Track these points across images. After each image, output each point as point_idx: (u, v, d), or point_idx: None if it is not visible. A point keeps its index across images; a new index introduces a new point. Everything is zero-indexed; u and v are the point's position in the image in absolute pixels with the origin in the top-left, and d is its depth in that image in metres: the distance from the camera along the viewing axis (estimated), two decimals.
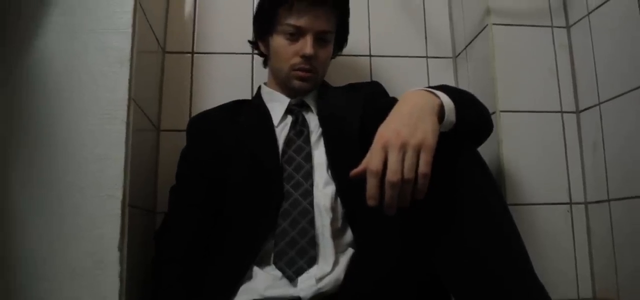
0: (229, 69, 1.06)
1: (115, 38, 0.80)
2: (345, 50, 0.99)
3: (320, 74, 0.91)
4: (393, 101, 0.76)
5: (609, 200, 0.85)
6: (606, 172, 0.86)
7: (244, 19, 1.07)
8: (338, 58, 1.00)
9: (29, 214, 0.73)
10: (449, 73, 1.11)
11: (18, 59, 0.78)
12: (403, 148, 0.56)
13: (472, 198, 0.62)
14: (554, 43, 0.95)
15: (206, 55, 1.06)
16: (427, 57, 1.12)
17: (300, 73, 0.87)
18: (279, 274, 0.76)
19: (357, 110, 0.86)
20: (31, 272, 0.72)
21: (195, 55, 1.06)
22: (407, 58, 1.11)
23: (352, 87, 0.97)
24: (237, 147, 0.85)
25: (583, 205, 0.91)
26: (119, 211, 0.75)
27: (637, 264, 0.79)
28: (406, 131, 0.57)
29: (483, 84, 0.98)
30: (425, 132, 0.57)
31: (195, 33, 1.07)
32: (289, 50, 0.87)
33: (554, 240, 0.89)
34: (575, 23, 0.95)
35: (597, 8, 0.88)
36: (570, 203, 0.91)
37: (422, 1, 1.13)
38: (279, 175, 0.81)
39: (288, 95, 0.91)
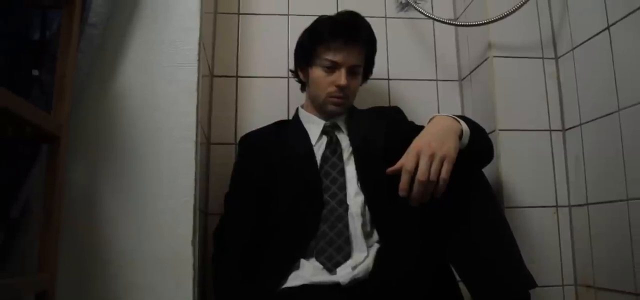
0: (268, 90, 1.22)
1: (184, 71, 0.96)
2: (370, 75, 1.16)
3: (351, 100, 1.08)
4: (415, 127, 0.94)
5: (587, 204, 1.03)
6: (586, 181, 1.03)
7: (280, 46, 1.24)
8: None
9: (120, 218, 0.90)
10: (455, 94, 1.28)
11: (103, 89, 0.94)
12: (432, 157, 0.74)
13: (476, 205, 0.80)
14: (544, 72, 1.12)
15: (248, 78, 1.23)
16: (436, 80, 1.29)
17: (334, 99, 1.03)
18: (320, 265, 0.93)
19: (381, 133, 1.03)
20: (124, 263, 0.89)
21: (239, 78, 1.23)
22: (420, 81, 1.28)
23: (377, 111, 1.14)
24: (283, 162, 1.01)
25: (567, 208, 1.08)
26: (191, 214, 0.91)
27: (610, 255, 0.96)
28: (435, 144, 0.75)
29: (485, 106, 1.15)
30: (449, 148, 0.75)
31: (238, 59, 1.24)
32: (325, 81, 1.03)
33: (543, 237, 1.06)
34: (562, 55, 1.12)
35: (580, 44, 1.05)
36: (556, 206, 1.08)
37: (432, 33, 1.30)
38: (319, 187, 0.98)
39: (323, 118, 1.07)
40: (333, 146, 1.04)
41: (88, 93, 0.93)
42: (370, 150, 1.01)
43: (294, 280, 0.92)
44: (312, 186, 0.98)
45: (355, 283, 0.90)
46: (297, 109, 1.13)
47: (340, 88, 1.02)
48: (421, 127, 0.84)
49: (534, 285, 0.76)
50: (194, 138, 0.94)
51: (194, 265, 0.90)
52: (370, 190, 0.98)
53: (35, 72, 0.85)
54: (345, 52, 1.01)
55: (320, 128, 1.06)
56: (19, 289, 0.71)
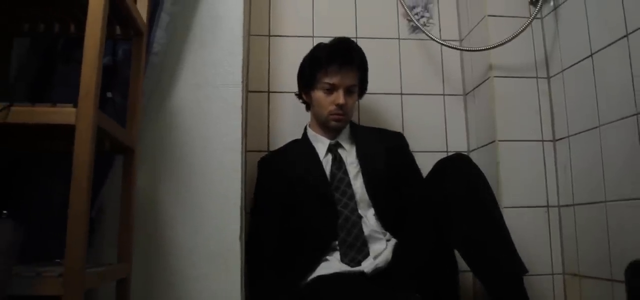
0: (296, 103, 1.35)
1: (229, 90, 1.11)
2: (382, 90, 1.32)
3: (349, 115, 1.22)
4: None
5: (574, 205, 1.19)
6: (572, 185, 1.20)
7: None
8: (377, 95, 1.33)
9: (178, 218, 1.05)
10: (460, 107, 1.44)
11: (161, 106, 1.10)
12: None
13: (479, 206, 0.97)
14: (538, 90, 1.28)
15: (278, 93, 1.39)
16: (443, 94, 1.45)
17: (335, 116, 1.18)
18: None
19: (383, 155, 1.20)
20: (181, 256, 1.04)
21: (270, 93, 1.38)
22: (429, 95, 1.44)
23: (380, 133, 1.28)
24: (299, 180, 1.16)
25: (557, 208, 1.24)
26: (239, 214, 1.07)
27: (592, 248, 1.12)
28: None
29: (486, 119, 1.31)
30: None
31: (270, 76, 1.39)
32: (326, 101, 1.18)
33: (536, 232, 1.22)
34: (554, 75, 1.28)
35: (569, 67, 1.21)
36: (547, 206, 1.24)
37: (440, 53, 1.45)
38: (332, 200, 1.14)
39: (327, 137, 1.22)
40: (338, 163, 1.19)
41: (149, 110, 1.08)
42: (375, 169, 1.17)
43: (325, 270, 1.09)
44: (326, 200, 1.14)
45: (377, 272, 1.08)
46: (305, 128, 1.27)
47: (339, 106, 1.16)
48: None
49: (525, 271, 0.93)
50: (240, 149, 1.09)
51: (241, 257, 1.06)
52: (380, 203, 1.15)
53: (109, 95, 1.00)
54: (341, 75, 1.16)
55: (326, 146, 1.21)
56: (106, 276, 0.87)
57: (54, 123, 0.71)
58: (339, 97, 1.16)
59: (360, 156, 1.20)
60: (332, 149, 1.21)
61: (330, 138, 1.22)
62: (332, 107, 1.17)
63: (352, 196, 1.14)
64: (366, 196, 1.15)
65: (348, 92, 1.18)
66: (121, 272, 0.91)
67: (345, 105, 1.17)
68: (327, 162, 1.19)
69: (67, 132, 0.71)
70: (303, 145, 1.24)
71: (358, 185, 1.16)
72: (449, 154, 1.33)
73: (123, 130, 0.91)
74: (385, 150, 1.21)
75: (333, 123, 1.19)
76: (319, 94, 1.18)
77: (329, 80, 1.16)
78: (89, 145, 0.71)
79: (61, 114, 0.71)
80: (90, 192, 0.72)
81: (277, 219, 1.16)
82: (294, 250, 1.14)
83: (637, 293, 0.80)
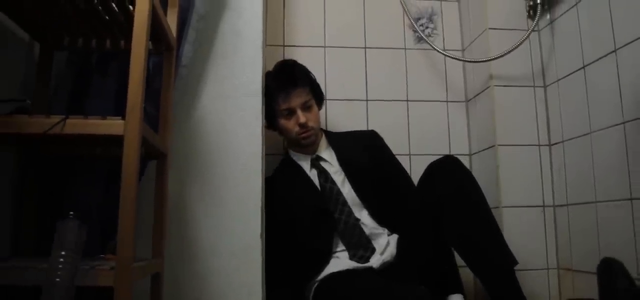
0: None
1: (250, 99, 1.18)
2: (392, 97, 1.40)
3: (317, 127, 1.28)
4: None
5: (568, 205, 1.28)
6: (566, 186, 1.29)
7: (318, 73, 1.44)
8: (386, 102, 1.41)
9: (203, 218, 1.12)
10: (462, 113, 1.52)
11: (187, 116, 1.17)
12: None
13: (471, 207, 1.06)
14: (535, 98, 1.37)
15: None
16: (447, 101, 1.53)
17: (303, 135, 1.26)
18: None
19: (362, 155, 1.27)
20: (206, 253, 1.11)
21: None
22: (433, 102, 1.52)
23: (354, 135, 1.36)
24: (297, 198, 1.24)
25: (552, 208, 1.33)
26: (259, 214, 1.14)
27: (584, 245, 1.21)
28: None
29: (486, 125, 1.40)
30: None
31: None
32: (290, 125, 1.26)
33: (533, 230, 1.31)
34: (549, 84, 1.37)
35: (563, 77, 1.30)
36: (543, 206, 1.33)
37: (443, 62, 1.54)
38: (328, 210, 1.21)
39: (307, 153, 1.30)
40: (323, 175, 1.27)
41: (176, 119, 1.15)
42: (359, 172, 1.25)
43: (336, 267, 1.18)
44: (323, 213, 1.22)
45: (384, 266, 1.17)
46: (287, 150, 1.35)
47: (302, 125, 1.24)
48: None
49: (515, 262, 1.02)
50: (260, 154, 1.17)
51: (262, 254, 1.14)
52: (371, 202, 1.23)
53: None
54: (292, 98, 1.24)
55: (309, 163, 1.29)
56: (147, 269, 0.96)
57: (104, 134, 0.79)
58: (299, 117, 1.23)
59: (342, 163, 1.27)
60: (315, 164, 1.28)
61: (310, 153, 1.29)
62: (297, 128, 1.24)
63: (344, 202, 1.22)
64: (357, 199, 1.23)
65: (304, 108, 1.25)
66: (156, 267, 0.99)
67: (308, 122, 1.24)
68: (313, 176, 1.27)
69: (107, 139, 0.79)
70: (291, 166, 1.31)
71: (347, 190, 1.24)
72: None
73: (157, 137, 1.00)
74: (363, 151, 1.28)
75: (304, 141, 1.26)
76: (282, 121, 1.26)
77: (284, 106, 1.24)
78: (136, 154, 0.79)
79: (111, 125, 0.78)
80: (137, 195, 0.80)
81: (281, 233, 1.21)
82: (301, 265, 1.21)
83: (606, 287, 0.89)
